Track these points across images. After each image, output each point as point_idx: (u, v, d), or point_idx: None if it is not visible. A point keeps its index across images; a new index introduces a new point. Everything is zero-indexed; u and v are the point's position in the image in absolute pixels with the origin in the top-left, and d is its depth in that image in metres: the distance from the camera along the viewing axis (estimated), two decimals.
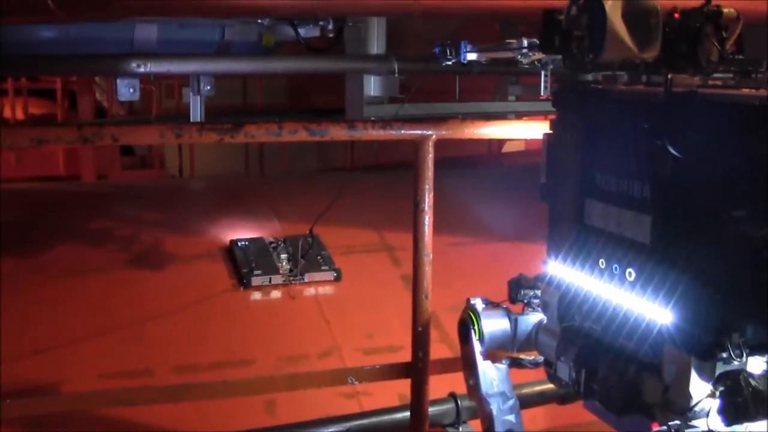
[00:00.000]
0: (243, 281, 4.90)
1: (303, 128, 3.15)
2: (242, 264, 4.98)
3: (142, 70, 5.30)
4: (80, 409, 3.45)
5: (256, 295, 4.92)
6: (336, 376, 3.74)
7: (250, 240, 5.24)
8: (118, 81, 5.62)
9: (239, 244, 5.18)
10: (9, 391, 4.01)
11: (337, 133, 3.25)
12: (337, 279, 5.06)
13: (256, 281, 4.89)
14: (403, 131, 3.31)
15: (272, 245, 5.19)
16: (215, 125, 3.05)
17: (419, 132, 3.31)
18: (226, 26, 6.02)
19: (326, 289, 5.04)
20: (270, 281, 4.92)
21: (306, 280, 4.99)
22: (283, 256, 5.08)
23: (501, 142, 9.60)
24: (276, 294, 4.94)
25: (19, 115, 10.36)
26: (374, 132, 3.31)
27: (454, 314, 3.91)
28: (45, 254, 5.08)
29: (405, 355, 3.81)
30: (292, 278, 4.96)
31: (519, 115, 7.31)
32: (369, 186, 6.64)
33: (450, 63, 3.14)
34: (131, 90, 5.64)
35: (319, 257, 5.12)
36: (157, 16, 5.33)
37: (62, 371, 4.26)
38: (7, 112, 10.40)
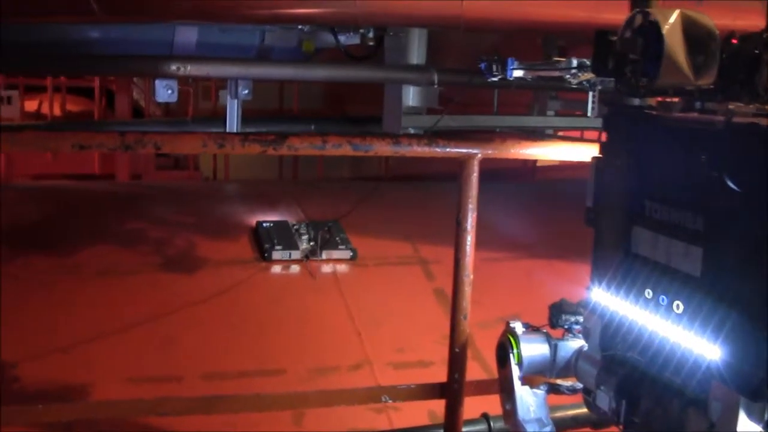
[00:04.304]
0: (264, 255, 5.30)
1: (347, 142, 3.12)
2: (265, 240, 5.40)
3: (181, 72, 5.29)
4: (109, 416, 3.43)
5: (278, 270, 5.29)
6: (370, 394, 3.71)
7: (275, 222, 5.64)
8: (157, 82, 5.61)
9: (264, 224, 5.61)
10: (35, 390, 4.04)
11: (382, 148, 3.22)
12: (353, 258, 5.39)
13: (276, 255, 5.29)
14: (448, 149, 3.26)
15: (295, 227, 5.58)
16: (259, 136, 3.02)
17: (464, 150, 3.26)
18: (266, 31, 6.00)
19: (343, 268, 5.38)
20: (290, 256, 5.31)
21: (324, 257, 5.37)
22: (305, 236, 5.45)
23: None
24: (295, 269, 5.30)
25: (57, 112, 10.43)
26: (419, 149, 3.26)
27: (486, 331, 3.88)
28: (79, 254, 5.09)
29: (436, 371, 3.77)
30: (310, 255, 5.33)
31: (556, 130, 7.26)
32: (403, 197, 6.62)
33: (496, 79, 3.10)
34: (169, 91, 5.64)
35: (338, 239, 5.48)
36: (200, 21, 5.32)
37: (90, 372, 4.25)
38: (44, 109, 10.46)
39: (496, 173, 8.23)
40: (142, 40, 5.59)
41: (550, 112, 7.29)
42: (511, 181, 9.10)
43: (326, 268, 5.29)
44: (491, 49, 6.40)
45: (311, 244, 5.38)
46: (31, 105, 10.52)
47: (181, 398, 3.64)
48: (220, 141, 3.00)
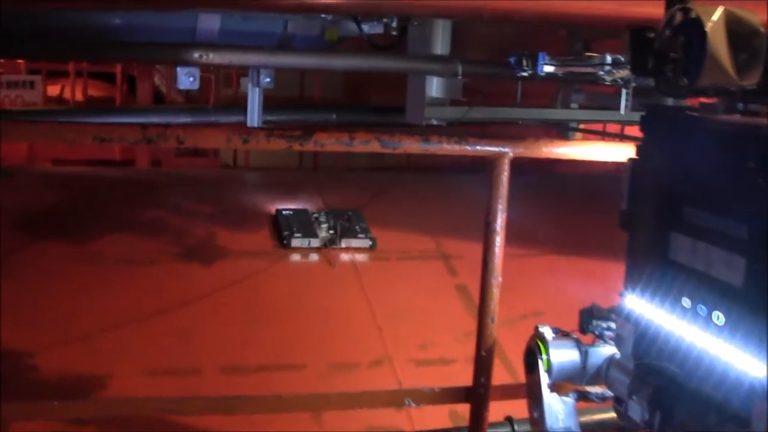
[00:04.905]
0: (283, 242, 5.29)
1: (375, 139, 3.03)
2: (284, 228, 5.38)
3: (204, 60, 5.22)
4: (126, 414, 3.38)
5: (297, 259, 5.27)
6: (393, 396, 3.64)
7: (295, 210, 5.64)
8: (179, 70, 5.56)
9: (284, 212, 5.58)
10: (52, 380, 4.01)
11: (411, 145, 3.14)
12: (372, 247, 5.36)
13: (295, 243, 5.29)
14: (478, 147, 3.17)
15: (314, 215, 5.57)
16: (284, 131, 2.94)
17: (495, 149, 3.17)
18: (289, 19, 5.92)
19: (364, 261, 5.34)
20: (309, 244, 5.31)
21: (343, 245, 5.35)
22: (324, 225, 5.44)
23: None
24: (314, 258, 5.30)
25: (79, 96, 10.41)
26: (449, 147, 3.18)
27: (508, 329, 3.81)
28: (98, 242, 5.06)
29: (459, 369, 3.70)
30: (329, 243, 5.33)
31: (580, 123, 7.16)
32: (425, 189, 6.55)
33: (526, 74, 3.02)
34: (191, 79, 5.58)
35: (357, 227, 5.46)
36: (224, 10, 5.25)
37: (107, 363, 4.22)
38: (66, 94, 10.45)
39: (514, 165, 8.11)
40: (165, 27, 5.53)
41: (574, 105, 7.18)
42: (528, 174, 8.99)
43: (346, 259, 5.23)
44: (511, 41, 6.31)
45: (330, 232, 5.36)
46: (53, 90, 10.52)
47: (201, 397, 3.57)
48: (245, 136, 2.93)
